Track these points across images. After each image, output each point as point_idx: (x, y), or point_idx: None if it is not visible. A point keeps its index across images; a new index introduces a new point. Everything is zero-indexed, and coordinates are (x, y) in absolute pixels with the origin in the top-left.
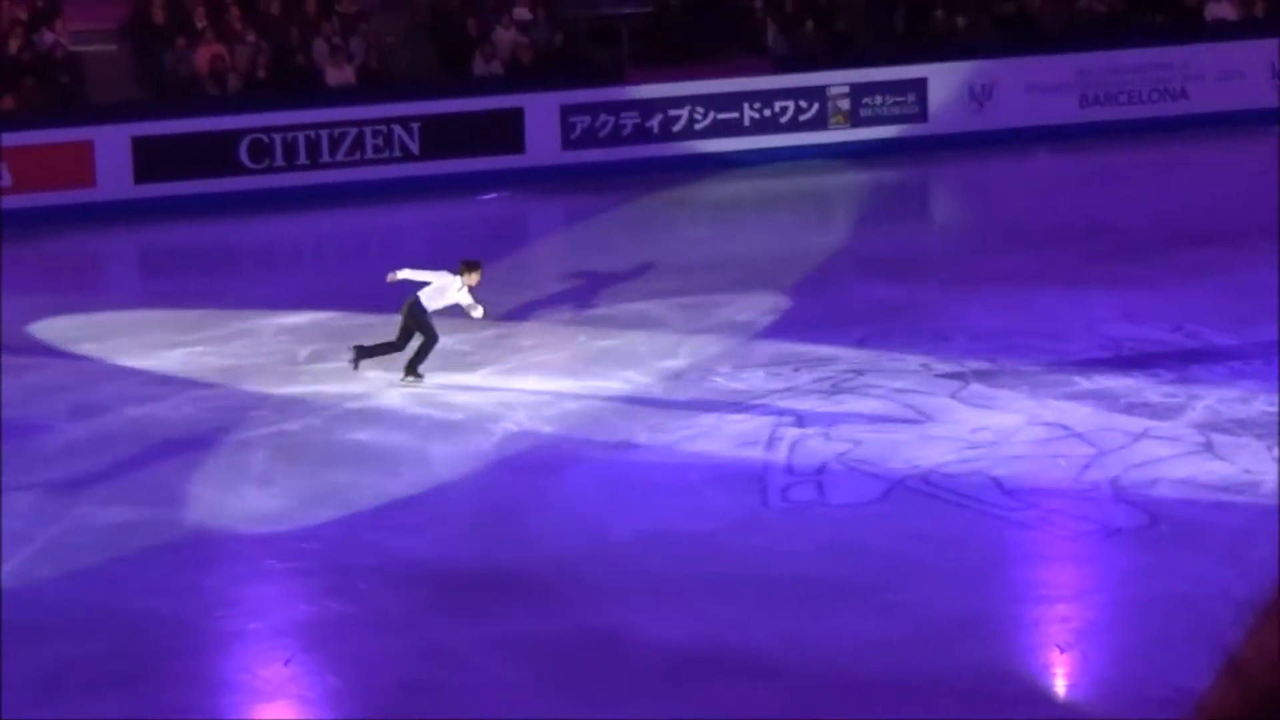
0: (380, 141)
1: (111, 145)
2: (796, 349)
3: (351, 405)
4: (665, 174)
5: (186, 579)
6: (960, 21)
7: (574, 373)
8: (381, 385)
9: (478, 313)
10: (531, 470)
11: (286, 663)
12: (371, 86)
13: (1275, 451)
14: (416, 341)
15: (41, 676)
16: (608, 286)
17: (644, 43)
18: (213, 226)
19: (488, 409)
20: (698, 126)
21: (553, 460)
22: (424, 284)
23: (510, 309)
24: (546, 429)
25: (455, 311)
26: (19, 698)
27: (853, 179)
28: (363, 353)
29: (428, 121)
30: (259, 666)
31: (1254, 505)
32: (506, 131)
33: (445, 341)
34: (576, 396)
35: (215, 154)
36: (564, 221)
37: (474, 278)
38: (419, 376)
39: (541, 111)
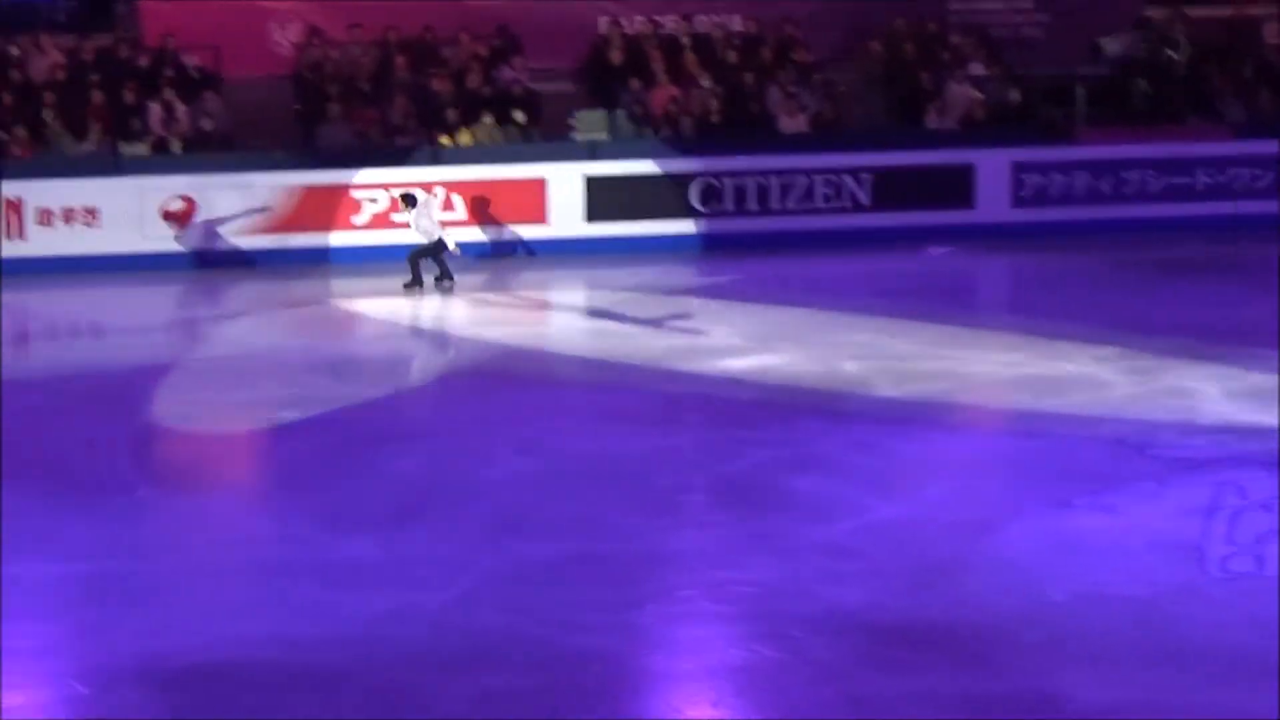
0: (830, 191)
1: (565, 184)
2: (1243, 419)
3: (793, 451)
4: (1115, 235)
5: (619, 617)
6: None
7: (1027, 432)
8: (819, 434)
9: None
10: (970, 526)
11: (714, 704)
12: (824, 136)
13: None
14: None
15: (469, 708)
16: (1053, 346)
17: (1099, 104)
18: (659, 268)
19: (924, 464)
20: (1150, 189)
21: (992, 517)
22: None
23: (954, 365)
24: (989, 485)
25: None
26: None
27: None
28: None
29: (879, 173)
30: (687, 708)
31: None
32: (957, 186)
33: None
34: (1017, 456)
35: (667, 195)
36: (1011, 279)
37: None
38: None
39: (993, 167)
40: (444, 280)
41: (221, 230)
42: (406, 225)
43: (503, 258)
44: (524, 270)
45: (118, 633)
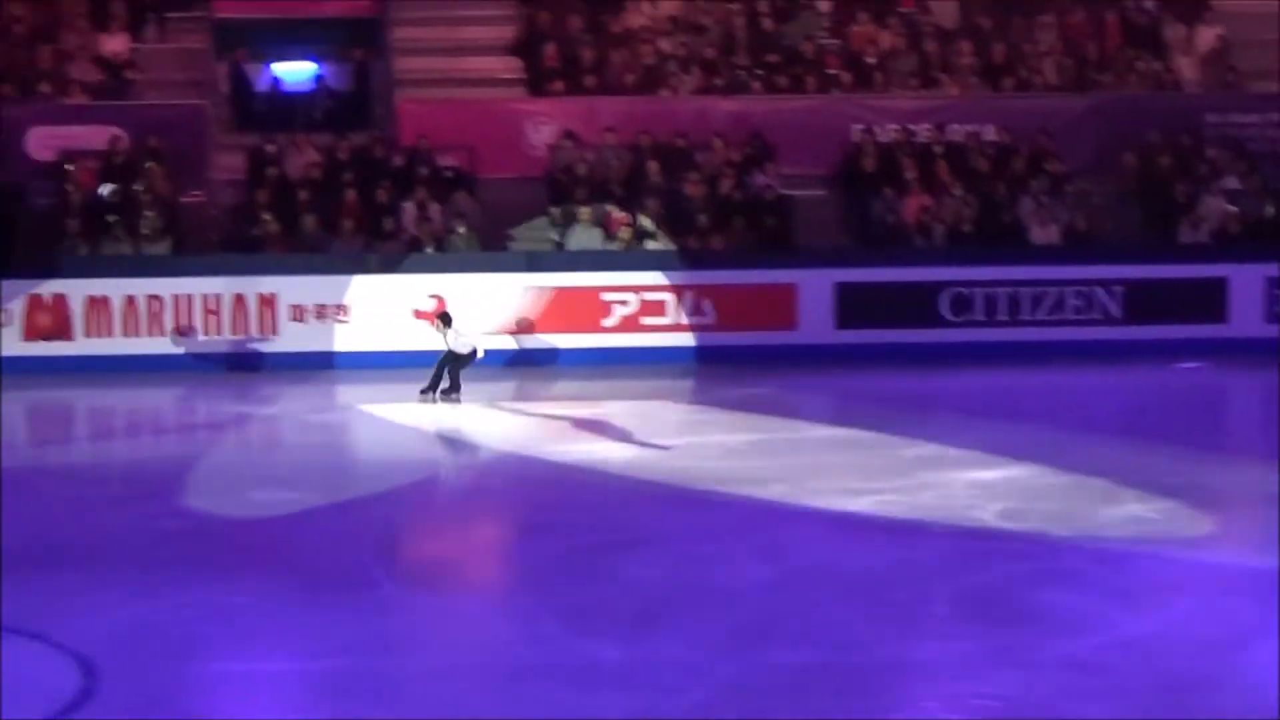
0: (1082, 303)
1: (815, 289)
2: None
3: (1039, 564)
4: None
5: None
6: None
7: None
8: (1065, 547)
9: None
10: (1219, 644)
11: None
12: (1076, 247)
13: None
14: None
15: None
16: None
17: None
18: (910, 376)
19: (1171, 579)
20: None
21: (1242, 635)
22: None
23: (1202, 478)
24: (1239, 602)
25: None
26: None
27: None
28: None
29: (1131, 285)
30: None
31: None
32: (1209, 300)
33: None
34: (1268, 573)
35: (917, 304)
36: (1264, 395)
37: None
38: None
39: (1246, 282)
40: (453, 393)
41: (473, 330)
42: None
43: (748, 362)
44: (770, 375)
45: None
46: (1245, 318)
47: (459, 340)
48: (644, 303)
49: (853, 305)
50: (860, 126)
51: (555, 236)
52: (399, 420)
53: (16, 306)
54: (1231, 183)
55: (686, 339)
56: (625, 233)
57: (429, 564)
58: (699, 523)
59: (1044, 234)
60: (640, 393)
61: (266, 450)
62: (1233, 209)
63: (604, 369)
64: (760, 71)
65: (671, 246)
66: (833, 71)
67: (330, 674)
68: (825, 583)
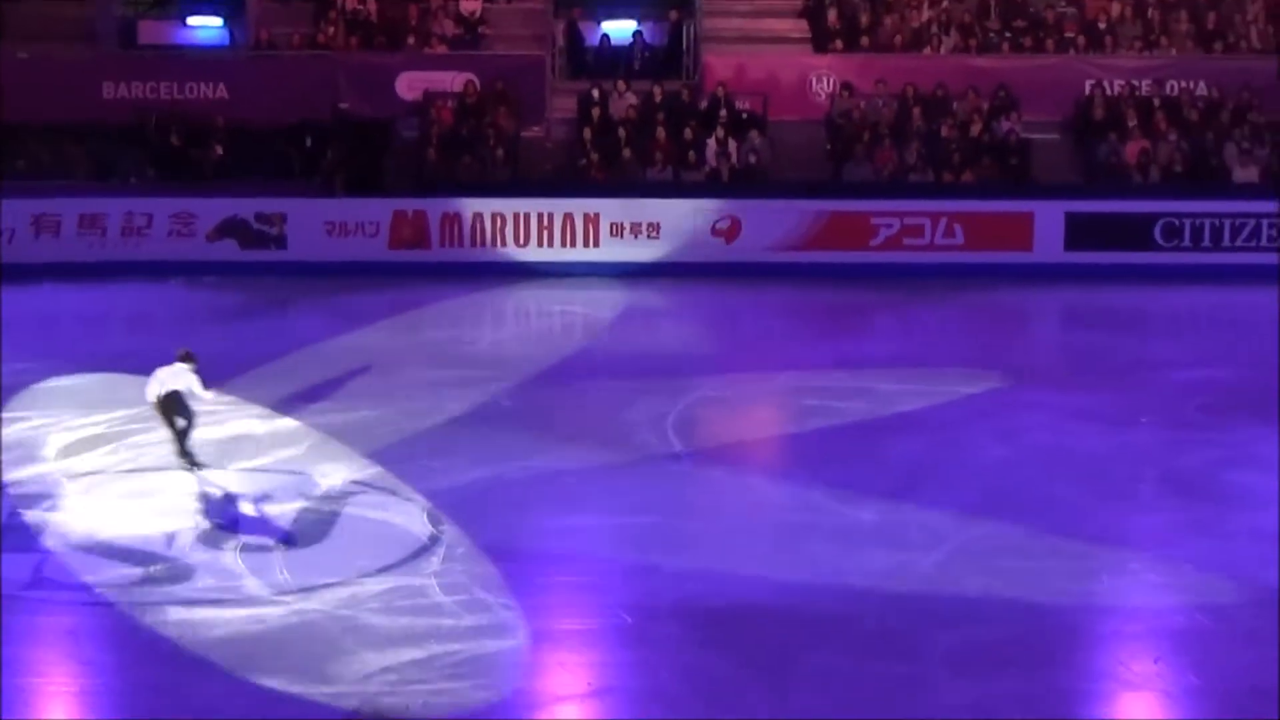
0: (1275, 232)
1: (1048, 218)
2: None
3: (1232, 451)
4: None
5: (1078, 584)
6: None
7: None
8: (1257, 437)
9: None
10: None
11: (1156, 660)
12: (1272, 185)
13: None
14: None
15: (953, 656)
16: None
17: None
18: (1127, 293)
19: None
20: None
21: None
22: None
23: None
24: None
25: None
26: (934, 671)
27: None
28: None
29: None
30: (1132, 661)
31: None
32: None
33: None
34: None
35: (1134, 232)
36: None
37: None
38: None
39: None
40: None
41: (760, 247)
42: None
43: (989, 278)
44: (1009, 289)
45: (661, 575)
46: None
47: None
48: (905, 226)
49: (1080, 232)
50: (1091, 81)
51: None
52: (689, 330)
53: (384, 220)
54: None
55: (939, 257)
56: None
57: (721, 441)
58: (950, 409)
59: (1245, 174)
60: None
61: (592, 341)
62: None
63: (871, 281)
64: (1008, 34)
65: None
66: (1070, 35)
67: (637, 529)
68: (1053, 462)
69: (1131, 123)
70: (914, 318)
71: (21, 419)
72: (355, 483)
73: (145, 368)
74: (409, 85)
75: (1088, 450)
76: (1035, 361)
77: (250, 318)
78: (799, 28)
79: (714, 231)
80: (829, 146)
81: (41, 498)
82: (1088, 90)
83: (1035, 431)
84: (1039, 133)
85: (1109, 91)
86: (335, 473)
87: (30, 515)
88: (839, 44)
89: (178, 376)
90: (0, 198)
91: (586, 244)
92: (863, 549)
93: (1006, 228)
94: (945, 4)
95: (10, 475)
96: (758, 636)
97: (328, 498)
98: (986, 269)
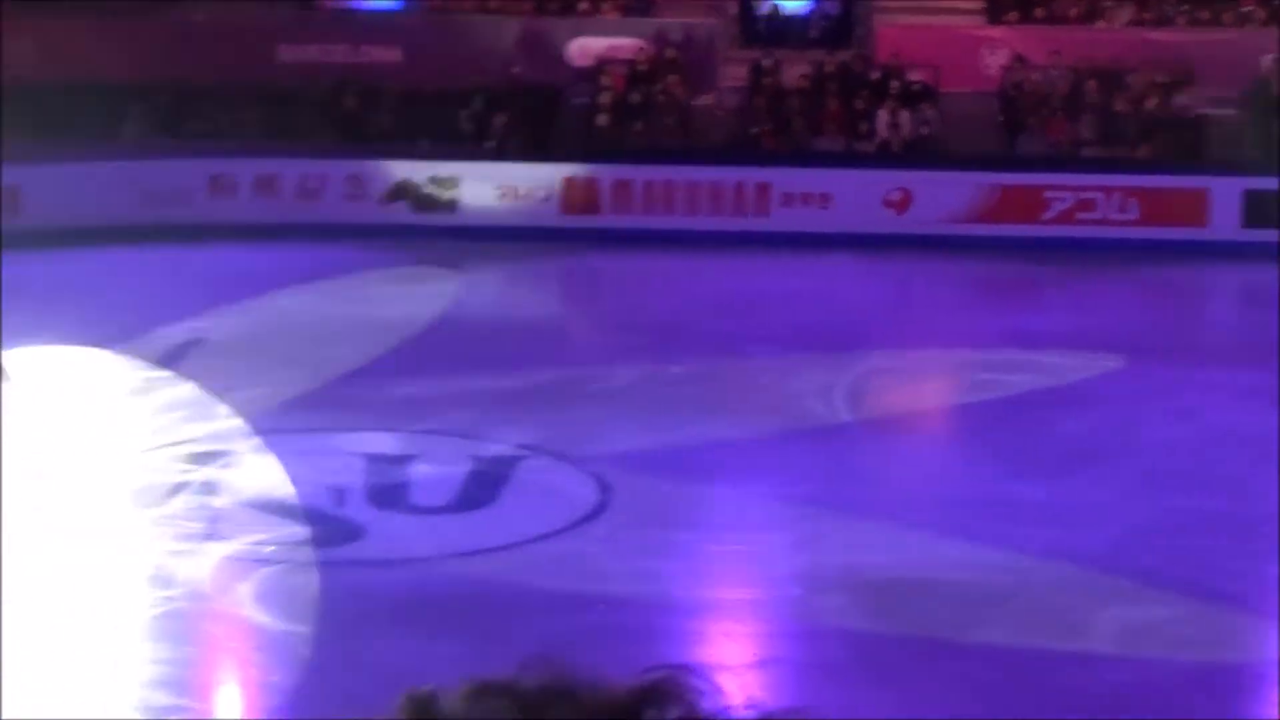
0: None
1: (1225, 194)
2: None
3: None
4: None
5: (1248, 564)
6: None
7: None
8: None
9: None
10: None
11: None
12: None
13: None
14: None
15: (1121, 634)
16: None
17: None
18: None
19: None
20: None
21: None
22: None
23: None
24: None
25: None
26: (1101, 649)
27: None
28: None
29: None
30: None
31: None
32: None
33: None
34: None
35: None
36: None
37: None
38: None
39: None
40: None
41: (932, 218)
42: None
43: (1163, 253)
44: (1183, 265)
45: (828, 546)
46: None
47: None
48: (1078, 200)
49: (1258, 209)
50: (1270, 56)
51: None
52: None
53: (555, 185)
54: None
55: (1112, 232)
56: None
57: (889, 412)
58: (1122, 386)
59: None
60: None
61: (760, 311)
62: None
63: (1047, 255)
64: (1185, 7)
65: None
66: (1247, 9)
67: (805, 498)
68: (1226, 441)
69: None
70: (1086, 293)
71: (196, 377)
72: (524, 447)
73: (315, 328)
74: (581, 51)
75: (1262, 429)
76: (1209, 339)
77: (421, 281)
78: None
79: (885, 203)
80: (1001, 119)
81: (214, 455)
82: (1265, 66)
83: (1208, 410)
84: (1215, 108)
85: None
86: (505, 437)
87: (203, 472)
88: (1013, 15)
89: None
90: (178, 158)
91: (757, 213)
92: (1032, 524)
93: (1182, 204)
94: None
95: (184, 433)
96: (925, 609)
97: (497, 461)
98: (1160, 245)
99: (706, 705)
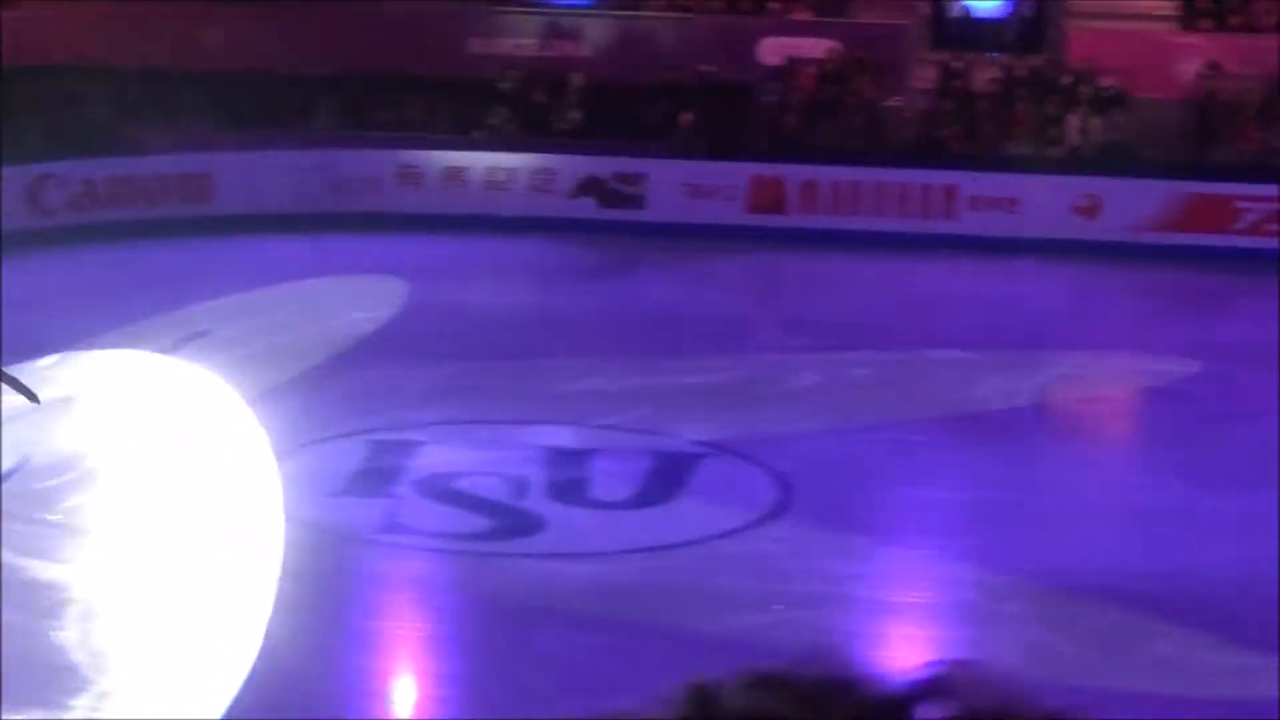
0: None
1: None
2: None
3: None
4: None
5: None
6: None
7: None
8: None
9: None
10: None
11: None
12: None
13: None
14: None
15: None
16: None
17: None
18: None
19: None
20: None
21: None
22: None
23: None
24: None
25: None
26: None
27: None
28: None
29: None
30: None
31: None
32: None
33: None
34: None
35: None
36: None
37: None
38: None
39: None
40: None
41: (1121, 226)
42: None
43: None
44: None
45: (1007, 552)
46: None
47: None
48: (1270, 211)
49: None
50: None
51: None
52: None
53: (742, 184)
54: None
55: None
56: None
57: (1074, 419)
58: None
59: None
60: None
61: (945, 313)
62: None
63: (1230, 264)
64: None
65: None
66: None
67: (985, 503)
68: None
69: None
70: (1276, 306)
71: (377, 367)
72: (706, 444)
73: (496, 321)
74: (771, 50)
75: None
76: None
77: (605, 277)
78: (1166, 5)
79: (1074, 209)
80: (1193, 127)
81: (398, 445)
82: None
83: None
84: None
85: None
86: (686, 434)
87: (386, 461)
88: (1207, 23)
89: None
90: (366, 148)
91: (943, 216)
92: (1216, 536)
93: None
94: None
95: (369, 422)
96: (1103, 619)
97: (678, 458)
98: None
99: (983, 702)
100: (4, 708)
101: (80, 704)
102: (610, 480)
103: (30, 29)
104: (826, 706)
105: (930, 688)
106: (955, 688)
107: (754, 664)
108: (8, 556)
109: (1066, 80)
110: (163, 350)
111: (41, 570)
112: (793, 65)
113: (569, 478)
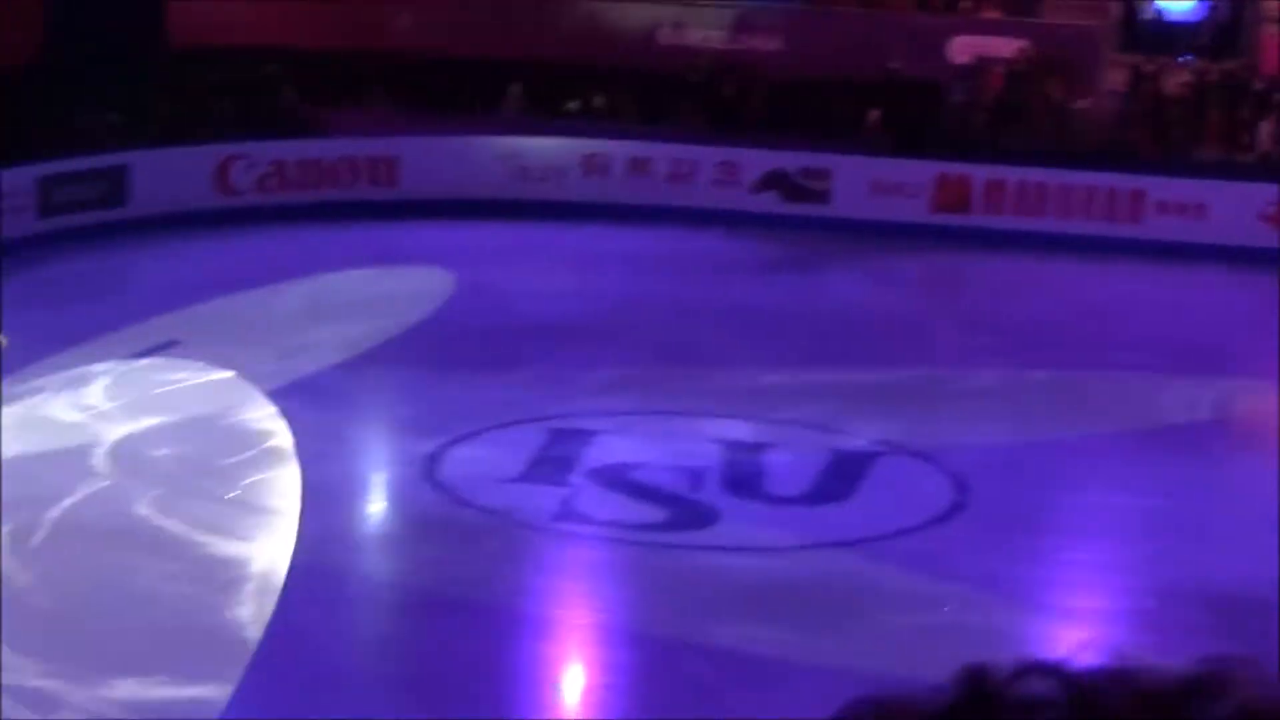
0: None
1: None
2: None
3: None
4: None
5: None
6: None
7: None
8: None
9: None
10: None
11: None
12: None
13: None
14: None
15: None
16: None
17: None
18: None
19: None
20: None
21: None
22: None
23: None
24: None
25: None
26: None
27: None
28: None
29: None
30: None
31: None
32: None
33: None
34: None
35: None
36: None
37: None
38: None
39: None
40: None
41: None
42: None
43: None
44: None
45: (1181, 560)
46: None
47: None
48: None
49: None
50: None
51: None
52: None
53: (927, 182)
54: None
55: None
56: None
57: (1254, 430)
58: None
59: None
60: None
61: (1126, 319)
62: None
63: None
64: None
65: None
66: None
67: (1161, 511)
68: None
69: None
70: None
71: (557, 355)
72: (883, 443)
73: (675, 313)
74: (961, 49)
75: None
76: None
77: (787, 271)
78: None
79: (1262, 216)
80: None
81: (576, 433)
82: None
83: None
84: None
85: None
86: (863, 431)
87: (564, 450)
88: None
89: None
90: (553, 136)
91: (1129, 220)
92: None
93: None
94: None
95: (548, 410)
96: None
97: (855, 456)
98: None
99: (1264, 703)
100: (172, 679)
101: (249, 680)
102: (786, 475)
103: (222, 11)
104: (1099, 695)
105: (1210, 683)
106: (1236, 685)
107: (965, 661)
108: (187, 531)
109: (1259, 85)
110: (347, 333)
111: (220, 546)
112: (982, 64)
113: (745, 472)
